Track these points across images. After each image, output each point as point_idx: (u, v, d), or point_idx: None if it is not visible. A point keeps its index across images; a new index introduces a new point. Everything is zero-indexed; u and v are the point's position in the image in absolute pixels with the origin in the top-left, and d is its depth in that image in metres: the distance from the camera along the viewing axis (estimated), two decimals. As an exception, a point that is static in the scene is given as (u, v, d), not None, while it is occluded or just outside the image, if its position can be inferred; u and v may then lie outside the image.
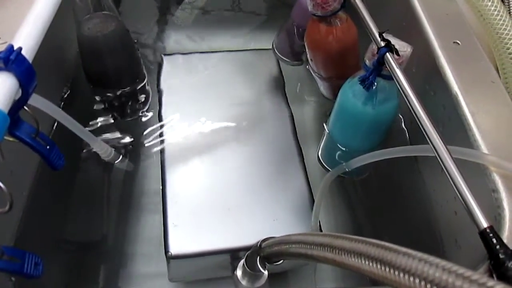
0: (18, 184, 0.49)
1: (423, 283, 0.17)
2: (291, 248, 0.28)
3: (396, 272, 0.18)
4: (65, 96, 0.61)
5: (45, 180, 0.52)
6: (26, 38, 0.32)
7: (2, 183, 0.27)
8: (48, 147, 0.33)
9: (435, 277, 0.16)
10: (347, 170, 0.47)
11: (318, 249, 0.24)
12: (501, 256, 0.28)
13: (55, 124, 0.56)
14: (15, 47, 0.29)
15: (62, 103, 0.60)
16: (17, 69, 0.28)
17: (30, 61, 0.30)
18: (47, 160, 0.33)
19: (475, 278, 0.16)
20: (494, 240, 0.29)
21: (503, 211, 0.35)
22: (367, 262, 0.20)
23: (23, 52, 0.30)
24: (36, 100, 0.40)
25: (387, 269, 0.18)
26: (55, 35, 0.58)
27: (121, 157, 0.58)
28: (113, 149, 0.56)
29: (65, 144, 0.57)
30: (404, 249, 0.18)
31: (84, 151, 0.58)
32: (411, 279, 0.17)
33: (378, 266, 0.19)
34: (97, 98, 0.61)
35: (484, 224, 0.29)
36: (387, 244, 0.19)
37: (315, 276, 0.50)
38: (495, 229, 0.29)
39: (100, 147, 0.53)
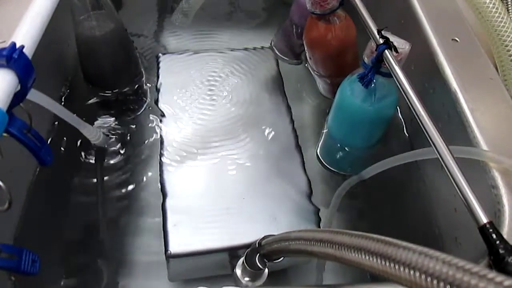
0: (17, 182, 0.49)
1: (423, 276, 0.17)
2: (291, 245, 0.28)
3: (397, 266, 0.18)
4: (64, 95, 0.61)
5: (44, 178, 0.52)
6: (24, 37, 0.32)
7: (1, 181, 0.27)
8: (39, 143, 0.33)
9: (435, 270, 0.16)
10: (363, 179, 0.47)
11: (318, 245, 0.24)
12: (501, 251, 0.28)
13: (56, 122, 0.56)
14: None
15: (61, 103, 0.60)
16: (18, 67, 0.28)
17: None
18: (38, 156, 0.33)
19: (476, 270, 0.15)
20: (494, 236, 0.29)
21: (503, 207, 0.35)
22: (367, 257, 0.20)
23: (22, 50, 0.30)
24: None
25: (387, 263, 0.18)
26: (53, 34, 0.58)
27: (110, 140, 0.58)
28: (102, 133, 0.55)
29: (64, 142, 0.58)
30: (404, 243, 0.18)
31: (83, 150, 0.57)
32: (412, 272, 0.17)
33: (379, 261, 0.19)
34: (95, 97, 0.61)
35: (484, 219, 0.29)
36: (387, 238, 0.19)
37: (317, 273, 0.50)
38: (495, 225, 0.29)
39: (89, 131, 0.53)
